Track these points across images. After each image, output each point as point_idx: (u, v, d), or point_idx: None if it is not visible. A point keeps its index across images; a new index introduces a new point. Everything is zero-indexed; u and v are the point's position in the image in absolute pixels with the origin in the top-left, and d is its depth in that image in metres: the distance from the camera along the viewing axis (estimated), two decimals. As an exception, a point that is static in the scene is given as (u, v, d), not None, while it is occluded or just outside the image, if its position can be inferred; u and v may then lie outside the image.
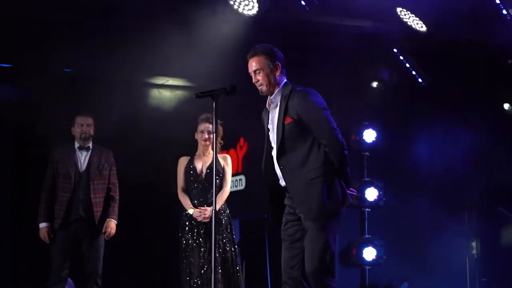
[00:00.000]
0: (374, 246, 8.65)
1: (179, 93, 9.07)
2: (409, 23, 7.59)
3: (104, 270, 6.72)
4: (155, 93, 9.08)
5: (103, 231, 6.66)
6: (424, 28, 7.55)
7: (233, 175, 6.82)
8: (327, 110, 4.68)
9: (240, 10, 7.03)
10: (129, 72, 8.32)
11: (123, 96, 8.47)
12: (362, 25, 7.90)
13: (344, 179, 4.66)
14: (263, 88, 4.75)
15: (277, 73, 4.74)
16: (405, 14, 7.60)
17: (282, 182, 4.74)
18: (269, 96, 4.80)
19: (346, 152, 4.65)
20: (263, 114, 4.90)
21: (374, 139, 8.77)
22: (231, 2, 7.00)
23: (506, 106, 9.40)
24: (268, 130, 4.81)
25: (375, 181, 8.73)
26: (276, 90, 4.76)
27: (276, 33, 7.47)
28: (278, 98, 4.74)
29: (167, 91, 9.05)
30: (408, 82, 9.03)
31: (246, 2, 7.01)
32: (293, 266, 4.70)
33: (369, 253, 8.61)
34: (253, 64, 4.75)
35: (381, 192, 8.76)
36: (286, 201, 4.81)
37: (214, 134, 4.70)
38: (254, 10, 7.04)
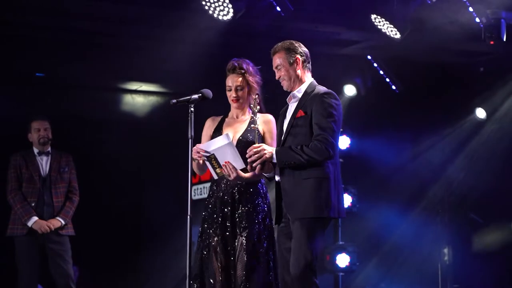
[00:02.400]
0: (348, 253, 8.65)
1: (152, 98, 9.02)
2: (383, 30, 7.61)
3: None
4: (128, 98, 9.02)
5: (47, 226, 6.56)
6: (398, 36, 7.58)
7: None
8: (337, 117, 4.53)
9: (215, 15, 7.00)
10: (102, 77, 8.26)
11: (96, 101, 8.42)
12: (336, 31, 7.92)
13: (288, 158, 4.49)
14: (284, 83, 4.68)
15: (298, 68, 4.65)
16: (379, 21, 7.63)
17: (278, 177, 4.64)
18: (292, 91, 4.69)
19: (318, 159, 4.44)
20: (283, 110, 4.79)
21: (348, 145, 8.79)
22: (206, 7, 6.96)
23: (478, 113, 9.47)
24: (282, 124, 4.72)
25: (349, 188, 8.73)
26: (300, 85, 4.67)
27: (250, 38, 7.47)
28: (301, 94, 4.65)
29: (140, 96, 8.99)
30: (382, 89, 9.07)
31: (221, 8, 6.98)
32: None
33: (343, 260, 8.60)
34: (275, 61, 4.69)
35: (355, 199, 8.78)
36: (283, 202, 4.66)
37: (190, 140, 4.62)
38: (229, 16, 7.01)
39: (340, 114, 4.59)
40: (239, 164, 4.71)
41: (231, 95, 4.94)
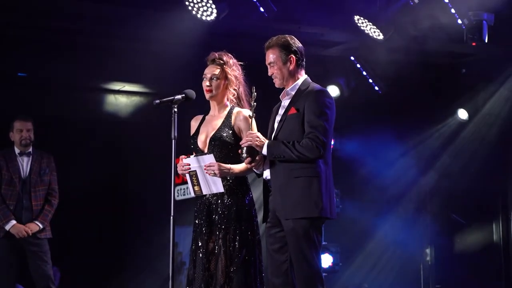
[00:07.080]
0: (331, 253, 8.67)
1: (135, 99, 9.00)
2: (366, 31, 7.64)
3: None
4: (111, 99, 8.99)
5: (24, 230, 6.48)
6: (381, 37, 7.61)
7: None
8: (330, 115, 4.48)
9: (199, 15, 6.99)
10: (85, 78, 8.23)
11: (79, 101, 8.39)
12: (320, 32, 7.94)
13: (278, 151, 4.44)
14: (276, 81, 4.63)
15: (291, 66, 4.58)
16: (362, 23, 7.65)
17: (267, 175, 4.58)
18: (285, 88, 4.64)
19: (308, 157, 4.38)
20: (276, 107, 4.73)
21: (331, 147, 8.79)
22: (190, 8, 6.96)
23: (460, 114, 9.54)
24: (274, 121, 4.66)
25: (332, 188, 8.75)
26: (293, 82, 4.60)
27: (234, 39, 7.47)
28: (294, 91, 4.59)
29: (123, 97, 8.97)
30: (365, 89, 9.10)
31: (205, 8, 6.98)
32: (280, 274, 4.49)
33: (326, 260, 8.62)
34: (268, 57, 4.62)
35: (337, 200, 8.79)
36: (270, 203, 4.59)
37: (174, 140, 4.59)
38: (213, 16, 7.01)
39: (333, 113, 4.53)
40: (218, 186, 4.60)
41: (204, 84, 4.78)
